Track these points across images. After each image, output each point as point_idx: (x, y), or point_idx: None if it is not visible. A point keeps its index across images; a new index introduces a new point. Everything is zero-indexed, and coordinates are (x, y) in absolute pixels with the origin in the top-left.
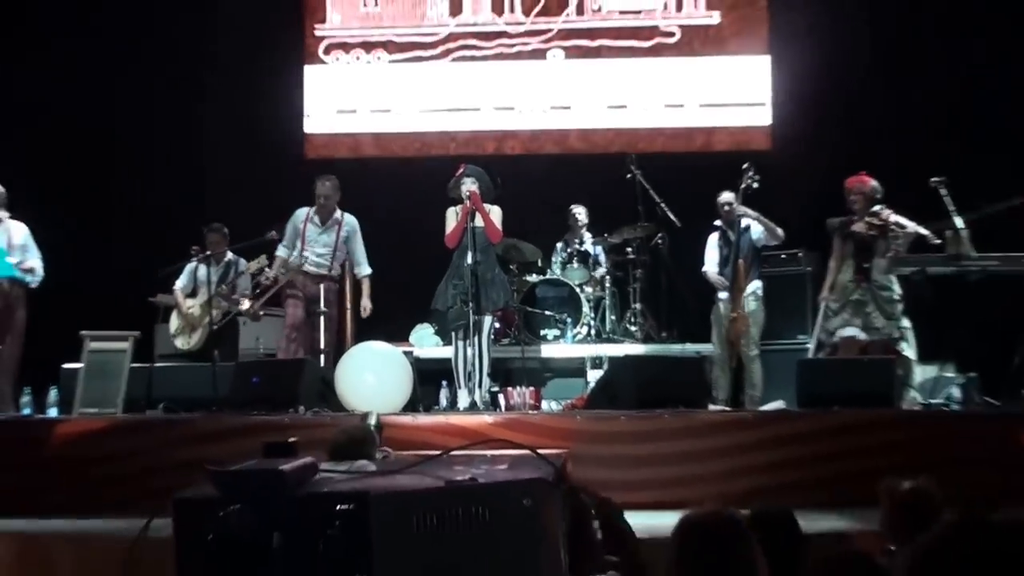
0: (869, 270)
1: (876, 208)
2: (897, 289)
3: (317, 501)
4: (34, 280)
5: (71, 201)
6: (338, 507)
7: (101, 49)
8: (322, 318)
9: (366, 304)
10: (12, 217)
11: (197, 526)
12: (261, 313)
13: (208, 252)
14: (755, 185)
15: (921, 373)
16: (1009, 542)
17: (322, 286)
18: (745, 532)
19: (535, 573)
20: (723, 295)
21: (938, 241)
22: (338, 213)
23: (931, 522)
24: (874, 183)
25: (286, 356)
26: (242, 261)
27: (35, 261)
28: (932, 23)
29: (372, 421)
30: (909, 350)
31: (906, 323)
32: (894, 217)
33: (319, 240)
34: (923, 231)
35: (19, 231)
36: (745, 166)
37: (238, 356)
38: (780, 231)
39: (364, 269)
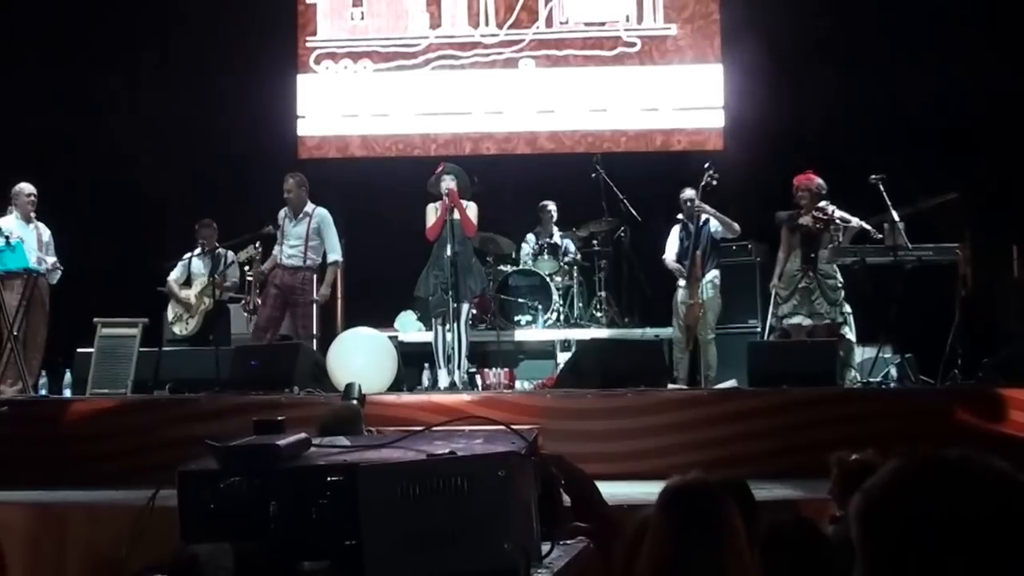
0: (815, 260)
1: (822, 204)
2: (839, 277)
3: (310, 473)
4: (55, 278)
5: (87, 199)
6: (329, 478)
7: (113, 59)
8: (313, 306)
9: (324, 292)
10: (37, 218)
11: (200, 496)
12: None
13: (205, 245)
14: (714, 182)
15: (861, 354)
16: (958, 476)
17: (299, 276)
18: (726, 498)
19: (509, 537)
20: (682, 283)
21: (880, 236)
22: (309, 207)
23: None
24: (819, 180)
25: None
26: (230, 253)
27: (57, 261)
28: (871, 32)
29: (355, 393)
30: (850, 333)
31: (847, 308)
32: (838, 212)
33: (293, 233)
34: (866, 226)
35: (46, 231)
36: (706, 165)
37: (230, 340)
38: (736, 225)
39: (331, 256)
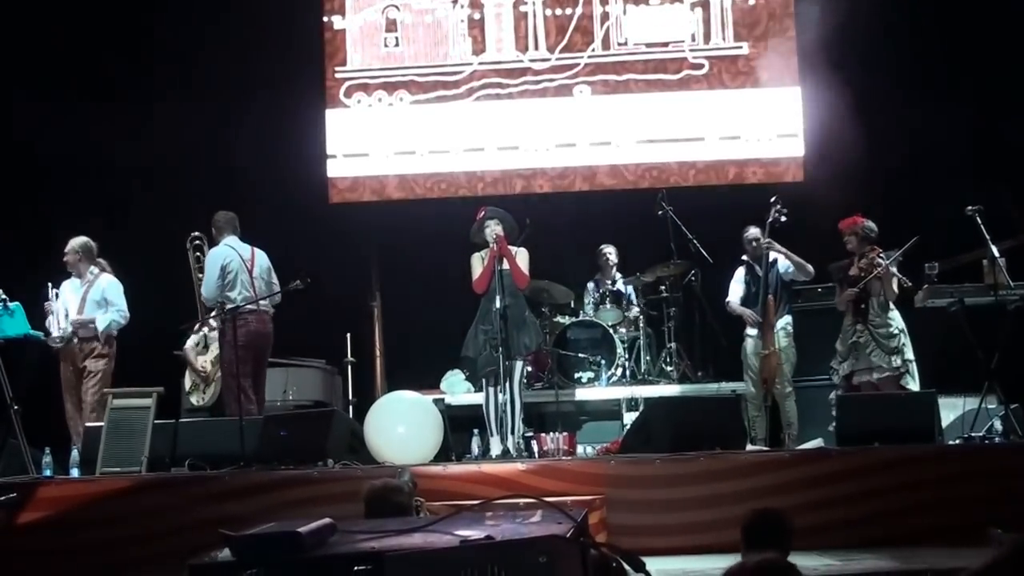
0: (866, 311)
1: (866, 248)
2: (895, 325)
3: (334, 563)
4: (86, 333)
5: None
6: (355, 568)
7: (120, 105)
8: (349, 367)
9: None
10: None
11: None
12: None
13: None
14: (783, 219)
15: (963, 405)
16: None
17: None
18: None
19: None
20: (752, 331)
21: (908, 284)
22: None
23: None
24: (866, 223)
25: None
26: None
27: (98, 315)
28: (961, 50)
29: (406, 478)
30: (913, 383)
31: (909, 355)
32: (879, 258)
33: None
34: (904, 282)
35: (100, 286)
36: (772, 199)
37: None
38: (809, 267)
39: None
